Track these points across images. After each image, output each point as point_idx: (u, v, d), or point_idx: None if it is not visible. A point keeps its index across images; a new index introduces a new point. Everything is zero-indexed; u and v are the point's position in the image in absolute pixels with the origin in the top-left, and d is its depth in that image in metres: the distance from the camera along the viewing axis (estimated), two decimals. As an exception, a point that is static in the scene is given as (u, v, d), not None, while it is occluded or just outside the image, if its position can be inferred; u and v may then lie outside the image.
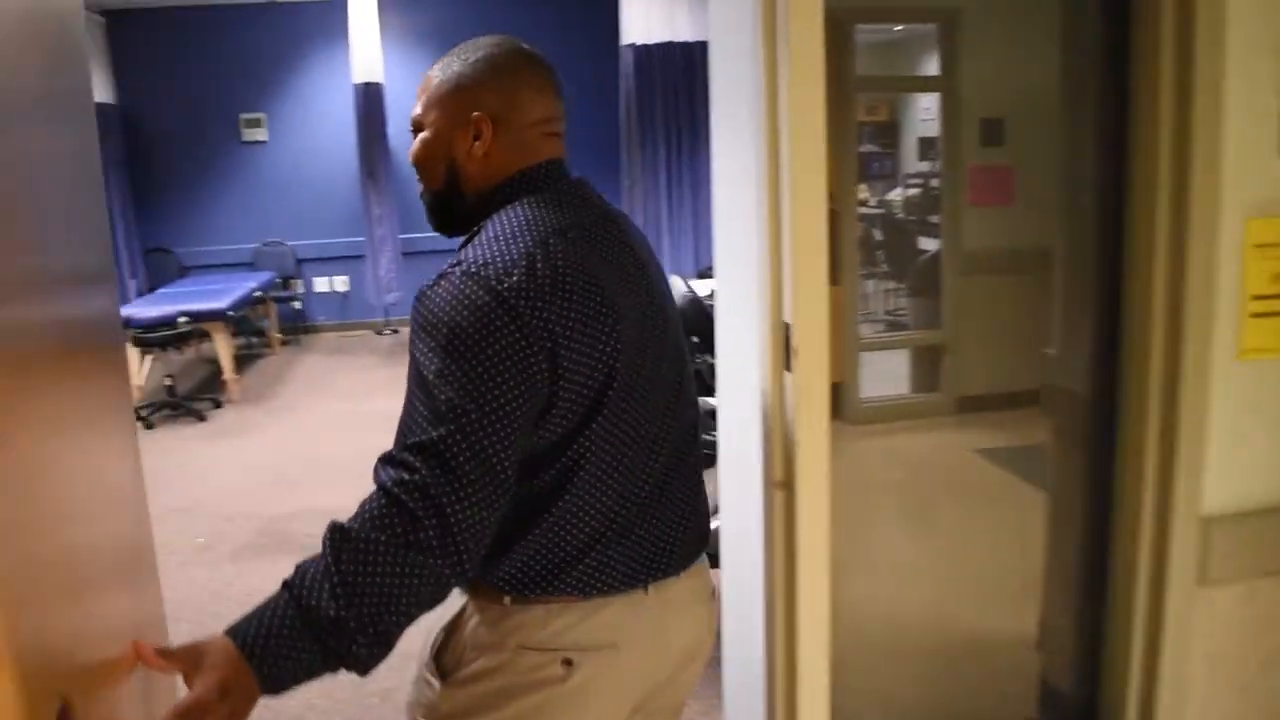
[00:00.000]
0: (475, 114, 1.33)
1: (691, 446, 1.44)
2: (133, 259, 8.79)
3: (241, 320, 7.95)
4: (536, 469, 1.26)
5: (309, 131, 9.11)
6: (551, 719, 1.31)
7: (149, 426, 6.38)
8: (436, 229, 1.43)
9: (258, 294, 8.02)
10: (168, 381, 6.68)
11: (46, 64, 1.16)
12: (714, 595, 1.51)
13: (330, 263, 9.32)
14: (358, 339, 9.20)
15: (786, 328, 1.55)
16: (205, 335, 6.95)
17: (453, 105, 1.35)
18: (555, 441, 1.25)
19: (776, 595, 1.65)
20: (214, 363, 7.25)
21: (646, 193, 7.56)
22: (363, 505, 1.15)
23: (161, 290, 8.03)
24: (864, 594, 2.46)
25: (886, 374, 3.52)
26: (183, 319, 6.53)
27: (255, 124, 9.10)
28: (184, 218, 9.13)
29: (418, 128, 1.39)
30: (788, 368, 1.55)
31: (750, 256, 1.70)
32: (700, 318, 3.69)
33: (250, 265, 9.12)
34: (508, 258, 1.22)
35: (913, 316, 3.94)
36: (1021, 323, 2.66)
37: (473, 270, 1.21)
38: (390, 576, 1.11)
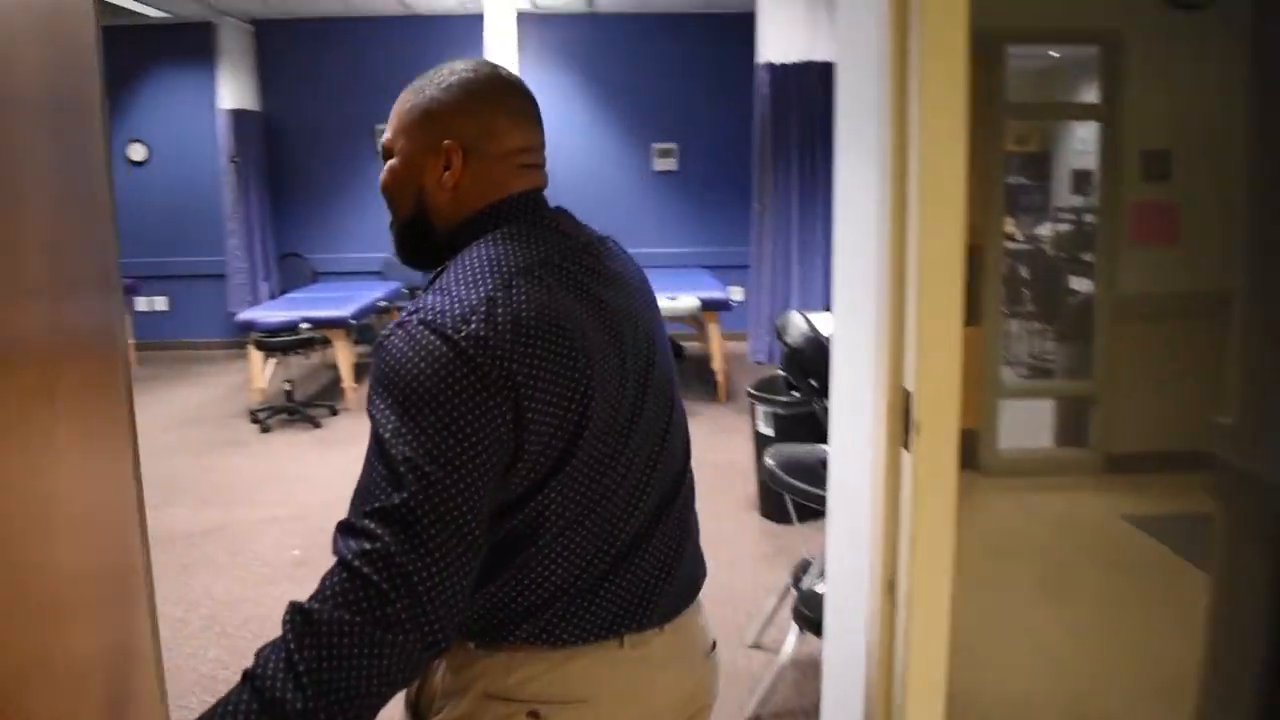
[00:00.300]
0: (446, 142, 1.26)
1: (679, 492, 1.35)
2: (267, 263, 9.03)
3: (364, 329, 8.01)
4: (501, 518, 1.18)
5: (442, 145, 9.18)
6: None
7: (265, 430, 6.45)
8: (405, 263, 1.37)
9: (383, 303, 8.06)
10: (287, 386, 6.74)
11: (52, 65, 1.11)
12: (711, 650, 1.40)
13: (457, 275, 9.35)
14: (480, 352, 9.16)
15: (907, 396, 1.29)
16: (328, 342, 7.00)
17: (423, 132, 1.28)
18: (522, 492, 1.18)
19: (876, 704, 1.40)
20: (336, 370, 7.30)
21: (777, 218, 7.19)
22: (324, 581, 1.07)
23: (289, 295, 8.16)
24: (986, 677, 2.20)
25: (1028, 424, 3.30)
26: (305, 325, 6.59)
27: (391, 135, 9.21)
28: (318, 224, 9.33)
29: (387, 154, 1.32)
30: (905, 445, 1.29)
31: (869, 305, 1.45)
32: (820, 358, 3.43)
33: (379, 274, 9.23)
34: (467, 304, 1.14)
35: (1060, 362, 3.69)
36: (1185, 379, 2.42)
37: (429, 318, 1.13)
38: (358, 659, 1.03)
